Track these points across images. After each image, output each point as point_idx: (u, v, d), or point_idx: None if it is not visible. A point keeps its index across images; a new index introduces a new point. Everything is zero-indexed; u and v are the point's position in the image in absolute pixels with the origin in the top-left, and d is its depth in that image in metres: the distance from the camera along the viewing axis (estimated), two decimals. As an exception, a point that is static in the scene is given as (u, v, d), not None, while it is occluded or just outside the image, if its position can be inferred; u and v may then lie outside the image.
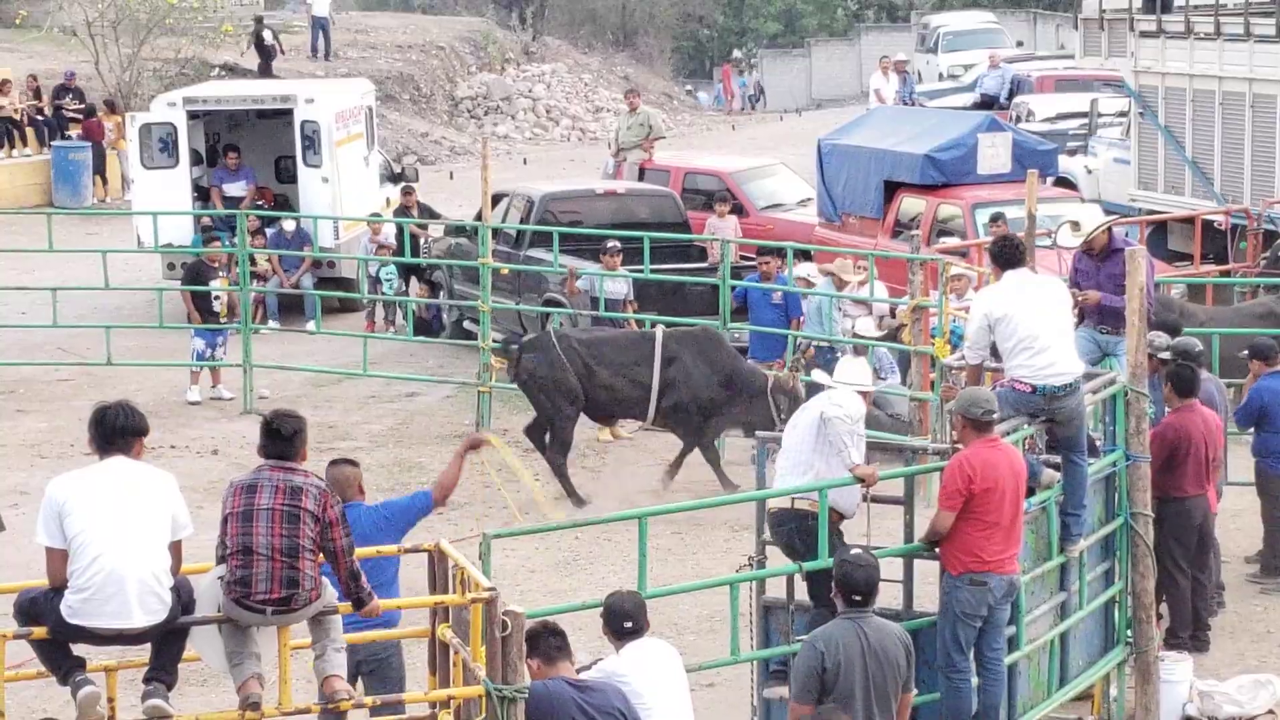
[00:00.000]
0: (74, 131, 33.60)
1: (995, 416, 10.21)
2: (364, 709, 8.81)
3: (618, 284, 19.30)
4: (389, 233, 23.24)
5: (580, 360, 16.77)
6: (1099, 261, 13.54)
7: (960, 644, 10.08)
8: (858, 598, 8.98)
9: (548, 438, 16.90)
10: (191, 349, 20.24)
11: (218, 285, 20.09)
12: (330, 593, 8.49)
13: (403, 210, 23.93)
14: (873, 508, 10.46)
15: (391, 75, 42.47)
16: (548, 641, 8.41)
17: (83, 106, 34.23)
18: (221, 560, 8.32)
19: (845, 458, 10.15)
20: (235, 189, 25.20)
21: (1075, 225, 13.74)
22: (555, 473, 16.67)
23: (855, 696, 8.85)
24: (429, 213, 24.59)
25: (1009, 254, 11.43)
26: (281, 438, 8.44)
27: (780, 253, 18.89)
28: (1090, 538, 11.33)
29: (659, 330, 17.17)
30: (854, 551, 9.14)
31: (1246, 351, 14.45)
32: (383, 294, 22.78)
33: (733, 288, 18.56)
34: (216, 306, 20.08)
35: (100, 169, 33.39)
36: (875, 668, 8.89)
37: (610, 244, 19.35)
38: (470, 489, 16.41)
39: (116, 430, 8.22)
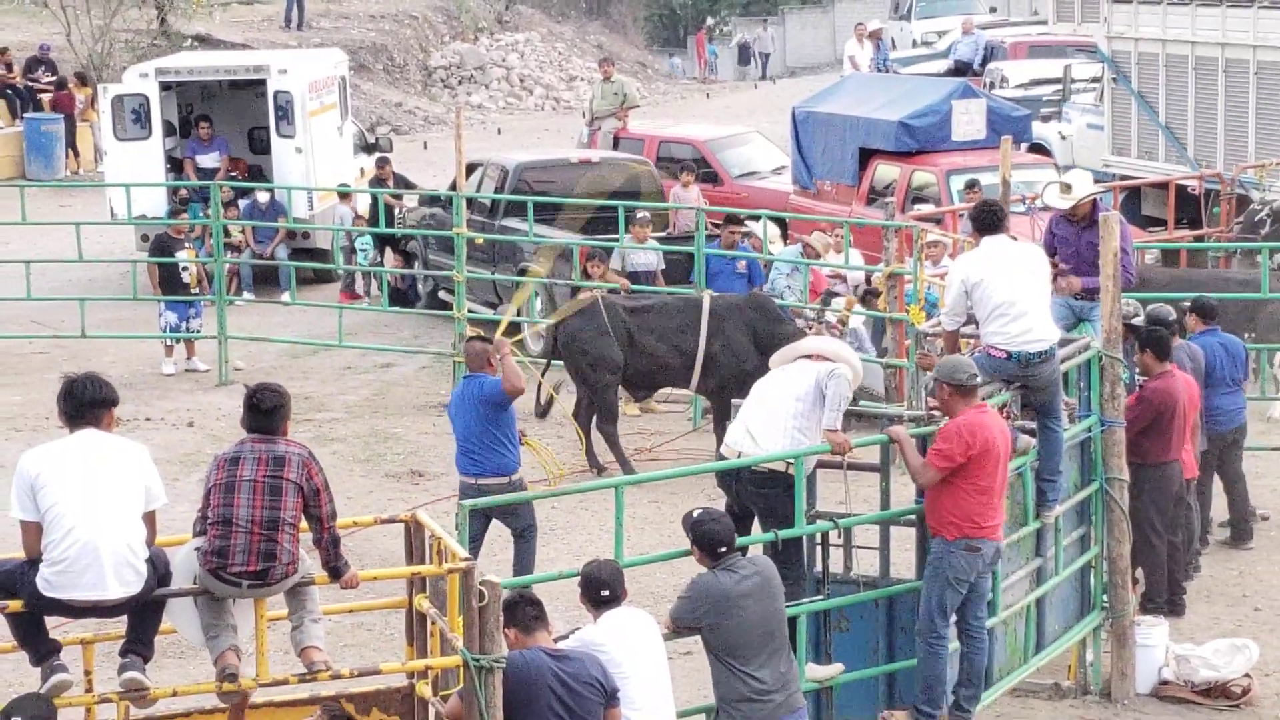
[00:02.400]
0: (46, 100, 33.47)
1: (979, 381, 10.24)
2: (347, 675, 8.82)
3: (648, 255, 19.15)
4: (360, 202, 23.16)
5: (625, 329, 16.41)
6: (1080, 228, 13.52)
7: (945, 609, 10.10)
8: (722, 549, 9.14)
9: (587, 410, 16.45)
10: (163, 323, 20.17)
11: (184, 256, 20.03)
12: (307, 565, 8.50)
13: (378, 181, 23.84)
14: (848, 474, 10.46)
15: (365, 45, 42.29)
16: (525, 611, 8.42)
17: (54, 79, 34.04)
18: (200, 533, 8.31)
19: (829, 417, 10.18)
20: (208, 160, 25.10)
21: (1066, 187, 13.61)
22: (608, 443, 16.18)
23: (740, 636, 8.99)
24: (404, 183, 24.53)
25: (989, 219, 11.43)
26: (260, 412, 8.45)
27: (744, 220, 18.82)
28: (1066, 503, 11.36)
29: (706, 297, 16.71)
30: (697, 512, 9.32)
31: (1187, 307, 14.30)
32: (358, 264, 22.72)
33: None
34: (185, 278, 20.01)
35: (73, 141, 33.24)
36: (758, 607, 9.03)
37: (640, 215, 19.16)
38: (450, 460, 16.42)
39: (86, 403, 8.19)
